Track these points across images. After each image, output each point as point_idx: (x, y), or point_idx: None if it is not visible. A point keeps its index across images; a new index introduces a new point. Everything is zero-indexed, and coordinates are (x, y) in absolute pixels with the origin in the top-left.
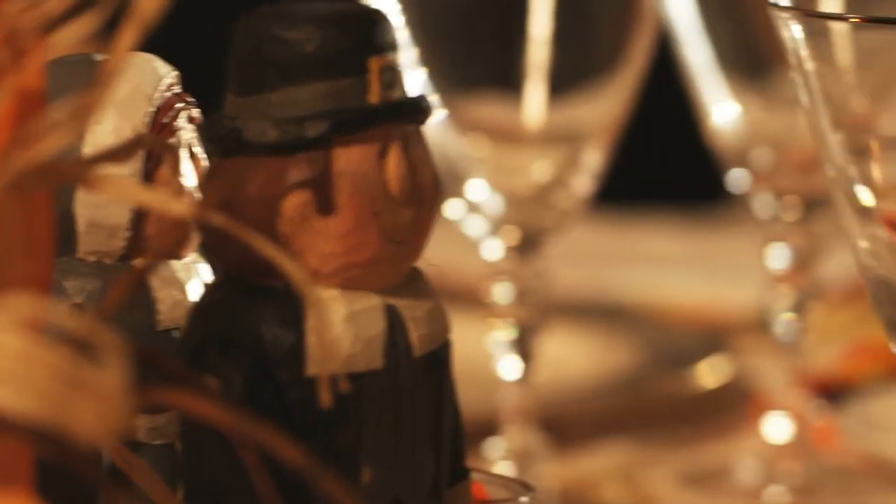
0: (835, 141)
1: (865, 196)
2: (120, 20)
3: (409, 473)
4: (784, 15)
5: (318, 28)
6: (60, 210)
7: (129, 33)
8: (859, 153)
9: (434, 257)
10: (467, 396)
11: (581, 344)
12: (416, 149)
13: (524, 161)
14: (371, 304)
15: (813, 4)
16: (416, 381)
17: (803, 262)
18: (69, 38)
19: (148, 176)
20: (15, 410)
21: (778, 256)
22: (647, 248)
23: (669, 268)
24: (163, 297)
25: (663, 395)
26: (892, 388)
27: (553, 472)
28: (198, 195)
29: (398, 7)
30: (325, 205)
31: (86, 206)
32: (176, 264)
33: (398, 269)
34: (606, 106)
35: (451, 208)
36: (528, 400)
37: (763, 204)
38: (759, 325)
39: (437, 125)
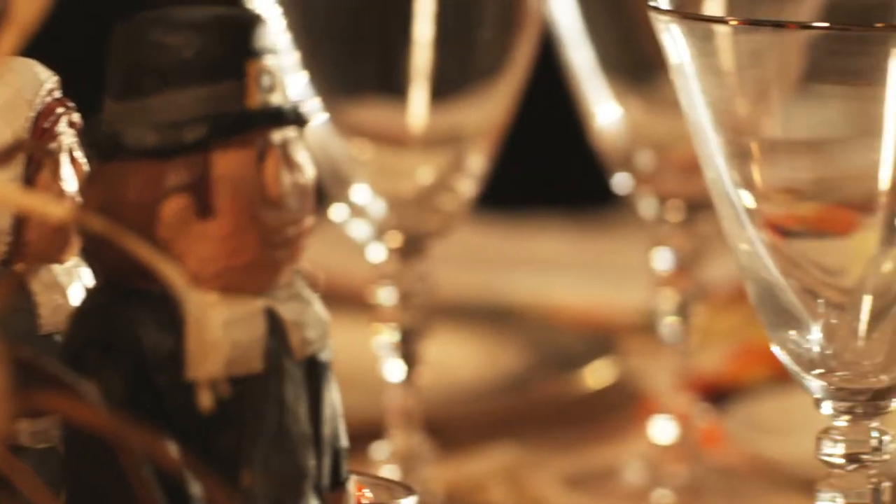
0: (716, 143)
1: (746, 198)
2: None
3: (289, 477)
4: (664, 18)
5: (195, 33)
6: None
7: (9, 38)
8: (740, 156)
9: (319, 261)
10: (353, 399)
11: (467, 346)
12: (295, 153)
13: (408, 164)
14: (251, 308)
15: (695, 7)
16: (296, 384)
17: (687, 265)
18: None
19: (29, 181)
20: None
21: (662, 259)
22: (535, 250)
23: (557, 270)
24: (44, 302)
25: (550, 397)
26: (776, 390)
27: (438, 474)
28: (78, 200)
29: (280, 11)
30: (203, 209)
31: None
32: (57, 269)
33: (278, 272)
34: (490, 109)
35: (335, 212)
36: (412, 402)
37: (647, 206)
38: (646, 327)
39: (320, 129)
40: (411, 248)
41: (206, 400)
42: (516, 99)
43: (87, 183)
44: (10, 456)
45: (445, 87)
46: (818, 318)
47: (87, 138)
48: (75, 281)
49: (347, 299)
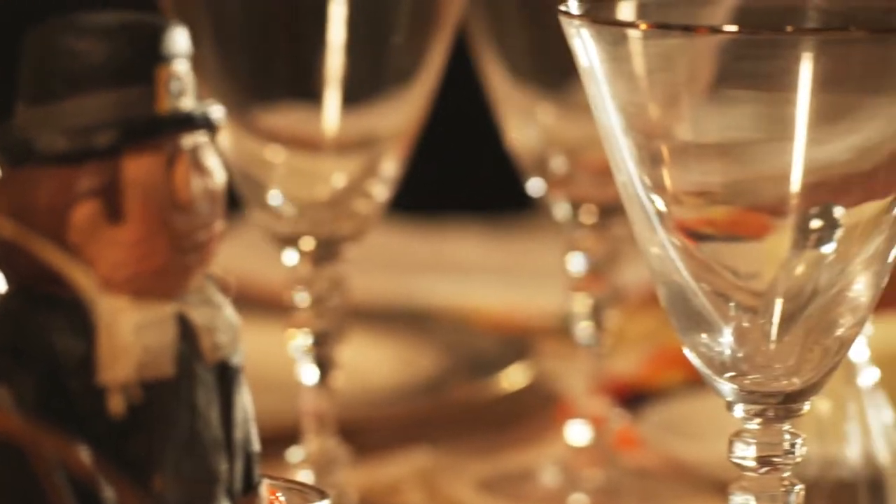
0: (626, 147)
1: (657, 202)
2: None
3: (201, 481)
4: (575, 22)
5: (105, 38)
6: None
7: None
8: (651, 159)
9: (233, 265)
10: (268, 403)
11: (383, 350)
12: (205, 157)
13: (321, 169)
14: (161, 312)
15: (605, 11)
16: (208, 389)
17: (602, 269)
18: None
19: None
20: None
21: (577, 263)
22: (451, 254)
23: (472, 274)
24: None
25: (465, 401)
26: (691, 393)
27: (353, 478)
28: None
29: (192, 15)
30: (114, 214)
31: None
32: None
33: (188, 277)
34: (403, 113)
35: (250, 216)
36: (327, 406)
37: (561, 210)
38: (561, 330)
39: (233, 133)
40: (325, 252)
41: (117, 404)
42: (429, 103)
43: None
44: None
45: (358, 91)
46: (730, 321)
47: None
48: None
49: (262, 303)
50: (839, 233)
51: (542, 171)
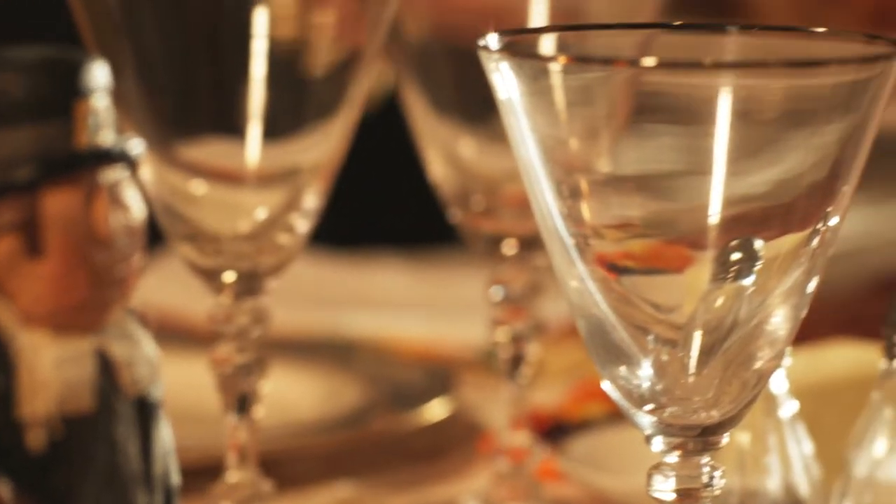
0: (545, 181)
1: (577, 235)
2: None
3: None
4: (494, 56)
5: (23, 73)
6: None
7: None
8: (570, 193)
9: (157, 297)
10: (192, 435)
11: (306, 382)
12: (124, 192)
13: (243, 202)
14: (81, 347)
15: (524, 46)
16: (127, 423)
17: (524, 301)
18: None
19: None
20: None
21: (499, 296)
22: (374, 286)
23: (396, 306)
24: None
25: (388, 433)
26: (614, 425)
27: None
28: None
29: (113, 50)
30: (33, 248)
31: None
32: None
33: (108, 311)
34: (325, 147)
35: (173, 249)
36: (249, 438)
37: (484, 244)
38: (484, 362)
39: (155, 166)
40: (247, 284)
41: (37, 439)
42: (351, 136)
43: None
44: None
45: (280, 124)
46: (649, 354)
47: None
48: None
49: (186, 335)
50: (758, 265)
51: (464, 204)
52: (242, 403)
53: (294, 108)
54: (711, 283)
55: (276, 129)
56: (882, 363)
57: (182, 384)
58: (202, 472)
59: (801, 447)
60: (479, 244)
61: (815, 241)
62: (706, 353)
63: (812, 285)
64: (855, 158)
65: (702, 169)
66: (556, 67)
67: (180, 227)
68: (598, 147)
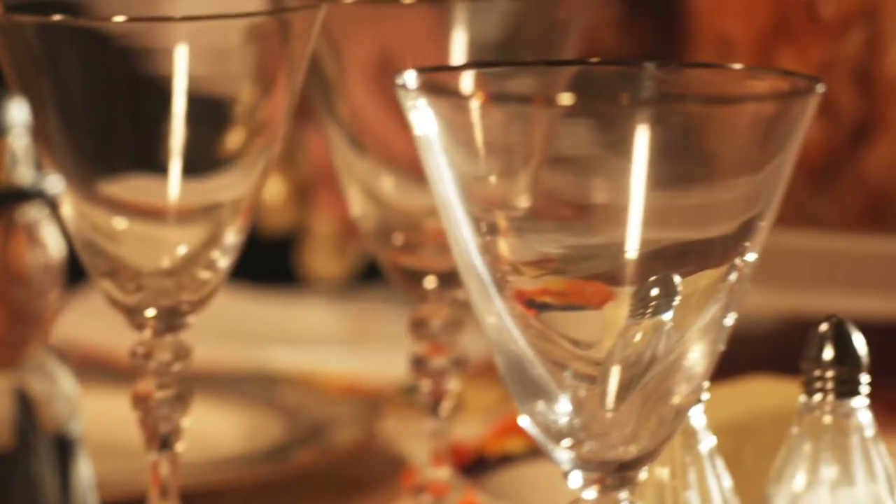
0: (464, 217)
1: (495, 272)
2: None
3: None
4: (412, 93)
5: None
6: None
7: None
8: (489, 230)
9: (79, 333)
10: (114, 470)
11: (229, 416)
12: (42, 229)
13: (164, 238)
14: None
15: (443, 81)
16: (45, 460)
17: (445, 337)
18: None
19: None
20: None
21: (421, 330)
22: (298, 321)
23: (319, 340)
24: None
25: (312, 467)
26: (534, 460)
27: None
28: None
29: (34, 87)
30: None
31: None
32: None
33: (26, 349)
34: (245, 184)
35: (94, 285)
36: (171, 473)
37: (406, 279)
38: (407, 398)
39: (76, 203)
40: (169, 320)
41: None
42: (271, 173)
43: None
44: None
45: (201, 161)
46: (567, 389)
47: None
48: None
49: (108, 371)
50: (676, 301)
51: (385, 240)
52: (164, 439)
53: (214, 145)
54: (630, 318)
55: (196, 165)
56: (801, 398)
57: (104, 419)
58: None
59: (721, 482)
60: (400, 280)
61: (733, 277)
62: (624, 388)
63: (730, 320)
64: (772, 194)
65: (620, 205)
66: (473, 105)
67: (101, 264)
68: (516, 183)
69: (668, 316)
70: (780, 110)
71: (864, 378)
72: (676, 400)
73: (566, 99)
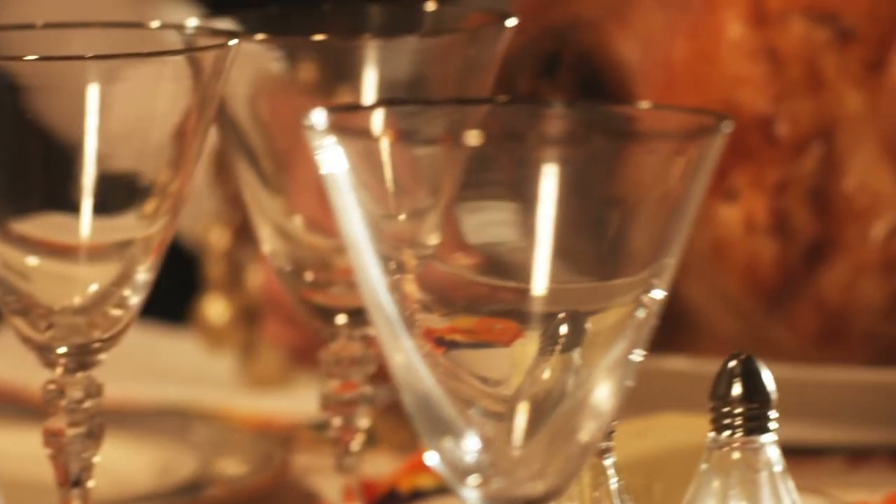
0: (372, 256)
1: (403, 310)
2: None
3: None
4: (319, 133)
5: None
6: None
7: None
8: (397, 268)
9: None
10: None
11: (141, 453)
12: None
13: (75, 276)
14: None
15: (351, 121)
16: None
17: (356, 373)
18: None
19: None
20: None
21: (332, 367)
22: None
23: (230, 375)
24: None
25: (224, 502)
26: (444, 498)
27: None
28: None
29: None
30: None
31: None
32: None
33: None
34: (158, 221)
35: (6, 322)
36: None
37: (316, 316)
38: (318, 433)
39: None
40: (80, 358)
41: None
42: (182, 211)
43: None
44: None
45: (112, 200)
46: (475, 427)
47: None
48: None
49: (21, 407)
50: (584, 338)
51: (296, 278)
52: (76, 475)
53: (126, 183)
54: (538, 356)
55: (108, 203)
56: (710, 435)
57: (17, 456)
58: None
59: None
60: (310, 316)
61: (641, 314)
62: (532, 425)
63: (637, 357)
64: (678, 231)
65: (528, 243)
66: (381, 144)
67: (13, 301)
68: (425, 222)
69: (576, 353)
70: (688, 148)
71: (773, 414)
72: (584, 437)
73: (474, 138)
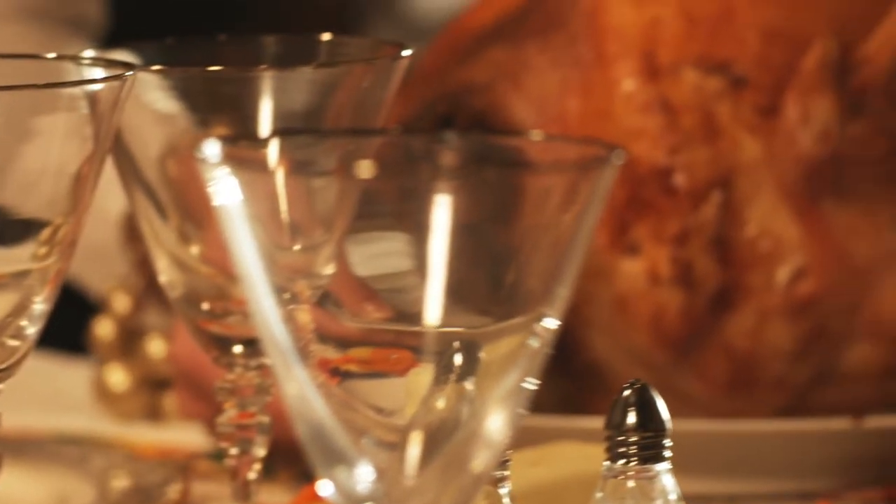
0: (265, 287)
1: (296, 341)
2: None
3: None
4: (211, 165)
5: None
6: None
7: None
8: (291, 299)
9: None
10: None
11: (39, 483)
12: None
13: None
14: None
15: (243, 152)
16: None
17: (253, 402)
18: None
19: None
20: None
21: (228, 396)
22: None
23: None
24: None
25: None
26: None
27: None
28: None
29: None
30: None
31: None
32: None
33: None
34: (55, 251)
35: None
36: None
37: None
38: (215, 462)
39: None
40: None
41: None
42: (78, 241)
43: None
44: None
45: (9, 231)
46: (368, 456)
47: None
48: None
49: None
50: (478, 368)
51: (193, 307)
52: None
53: (21, 212)
54: (433, 385)
55: (4, 234)
56: (605, 463)
57: None
58: None
59: None
60: (207, 346)
61: (534, 343)
62: (426, 455)
63: (530, 385)
64: (571, 262)
65: (420, 273)
66: (276, 175)
67: None
68: (320, 253)
69: (469, 383)
70: (581, 178)
71: (668, 443)
72: (477, 466)
73: (367, 169)
